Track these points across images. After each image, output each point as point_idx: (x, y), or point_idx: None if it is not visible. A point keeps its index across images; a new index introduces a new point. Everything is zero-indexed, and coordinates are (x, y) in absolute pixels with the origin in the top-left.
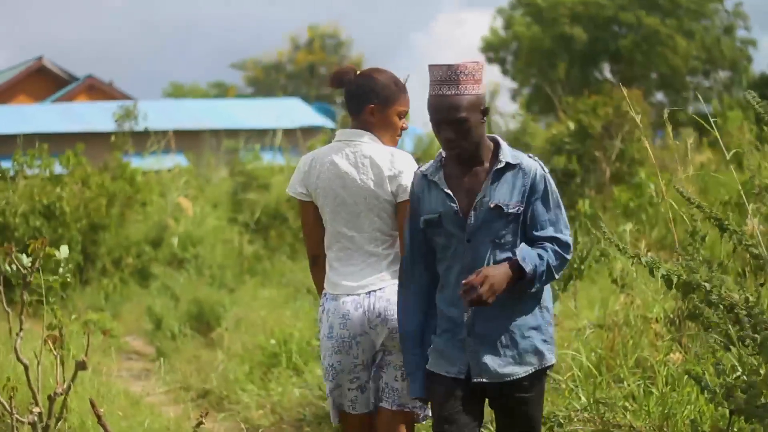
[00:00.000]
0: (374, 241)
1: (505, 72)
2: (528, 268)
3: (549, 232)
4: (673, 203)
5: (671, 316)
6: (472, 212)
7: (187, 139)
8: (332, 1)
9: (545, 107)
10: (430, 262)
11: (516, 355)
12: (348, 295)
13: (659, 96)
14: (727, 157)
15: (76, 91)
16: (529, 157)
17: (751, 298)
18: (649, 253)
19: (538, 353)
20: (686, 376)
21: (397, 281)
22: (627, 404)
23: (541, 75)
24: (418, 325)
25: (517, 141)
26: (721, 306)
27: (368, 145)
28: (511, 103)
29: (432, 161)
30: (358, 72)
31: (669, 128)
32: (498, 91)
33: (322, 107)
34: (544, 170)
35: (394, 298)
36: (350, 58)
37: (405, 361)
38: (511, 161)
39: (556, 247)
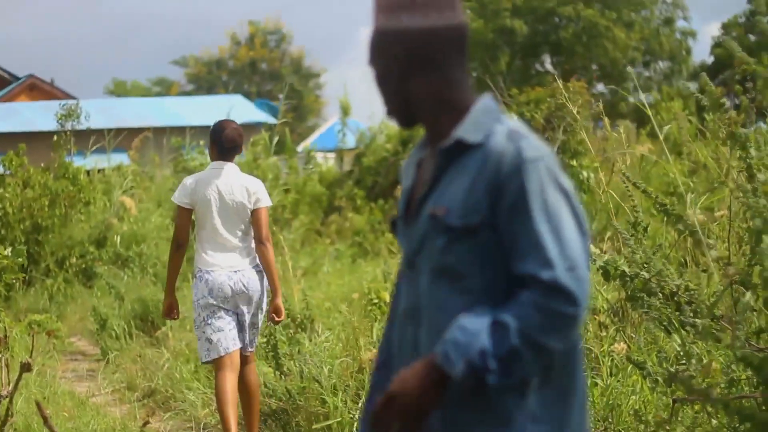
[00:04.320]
0: (237, 237)
1: None
2: (454, 369)
3: (528, 266)
4: (614, 194)
5: (614, 306)
6: (415, 220)
7: (129, 137)
8: None
9: None
10: None
11: None
12: (223, 270)
13: (600, 87)
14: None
15: (17, 90)
16: (510, 132)
17: (691, 285)
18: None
19: None
20: (630, 366)
21: (249, 263)
22: None
23: (483, 68)
24: None
25: None
26: (661, 294)
27: (238, 173)
28: None
29: None
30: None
31: (606, 120)
32: None
33: (264, 103)
34: (523, 157)
35: (250, 275)
36: (291, 53)
37: None
38: (469, 138)
39: (537, 298)
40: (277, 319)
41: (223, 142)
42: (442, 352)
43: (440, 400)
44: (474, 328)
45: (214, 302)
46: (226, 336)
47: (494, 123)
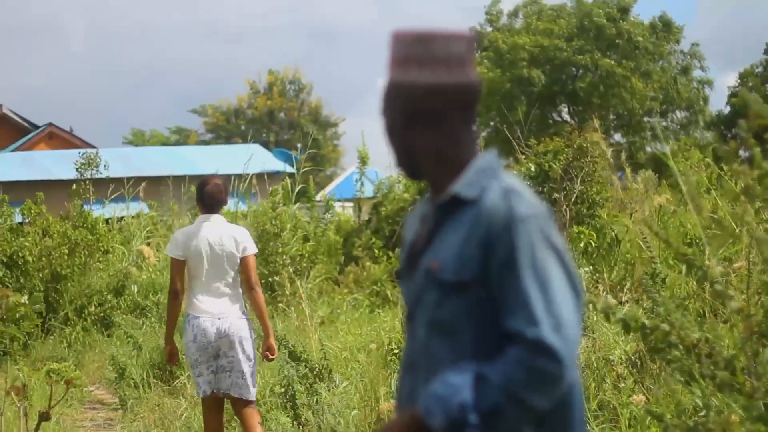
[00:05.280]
0: (227, 285)
1: None
2: (435, 422)
3: (514, 323)
4: (642, 243)
5: (633, 357)
6: (414, 274)
7: (148, 186)
8: (296, 46)
9: (504, 149)
10: None
11: None
12: (208, 317)
13: (617, 137)
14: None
15: (36, 139)
16: (505, 189)
17: (711, 338)
18: (608, 296)
19: None
20: (649, 418)
21: (236, 310)
22: None
23: (500, 117)
24: None
25: None
26: (681, 346)
27: (226, 224)
28: None
29: None
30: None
31: (627, 171)
32: None
33: (282, 152)
34: (514, 214)
35: (233, 321)
36: (309, 102)
37: None
38: (465, 194)
39: (522, 355)
40: (270, 357)
41: (204, 198)
42: (424, 405)
43: None
44: (456, 382)
45: (197, 347)
46: (204, 380)
47: (491, 179)
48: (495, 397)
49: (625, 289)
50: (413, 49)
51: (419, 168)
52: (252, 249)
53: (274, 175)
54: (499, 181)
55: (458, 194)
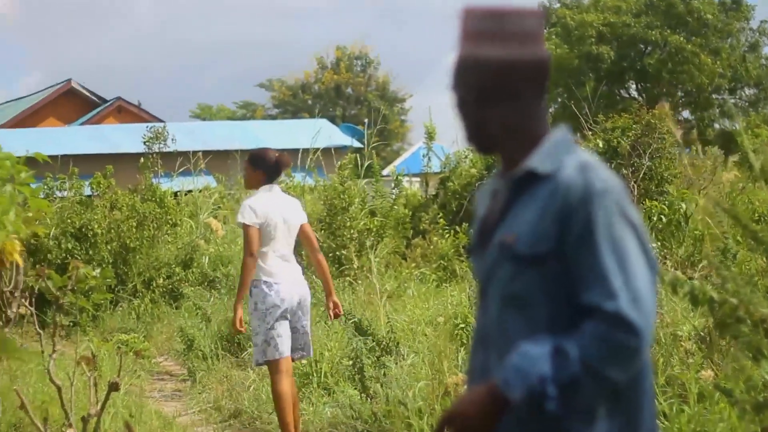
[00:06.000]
0: (293, 252)
1: None
2: (514, 394)
3: (592, 297)
4: (710, 221)
5: (701, 333)
6: (487, 248)
7: (215, 160)
8: (363, 22)
9: (571, 126)
10: None
11: None
12: (287, 283)
13: (685, 114)
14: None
15: (104, 113)
16: (581, 164)
17: None
18: (676, 272)
19: None
20: (718, 394)
21: (303, 276)
22: (659, 423)
23: (568, 93)
24: None
25: None
26: (749, 321)
27: (284, 194)
28: None
29: None
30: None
31: (699, 146)
32: None
33: (349, 127)
34: (591, 189)
35: (306, 286)
36: (377, 78)
37: None
38: (540, 169)
39: (600, 328)
40: (339, 312)
41: (272, 168)
42: (502, 377)
43: (499, 424)
44: (535, 354)
45: (282, 310)
46: (284, 342)
47: (565, 154)
48: (573, 370)
49: (697, 266)
50: (486, 24)
51: (490, 143)
52: (306, 217)
53: (341, 150)
54: (575, 156)
55: (534, 169)
